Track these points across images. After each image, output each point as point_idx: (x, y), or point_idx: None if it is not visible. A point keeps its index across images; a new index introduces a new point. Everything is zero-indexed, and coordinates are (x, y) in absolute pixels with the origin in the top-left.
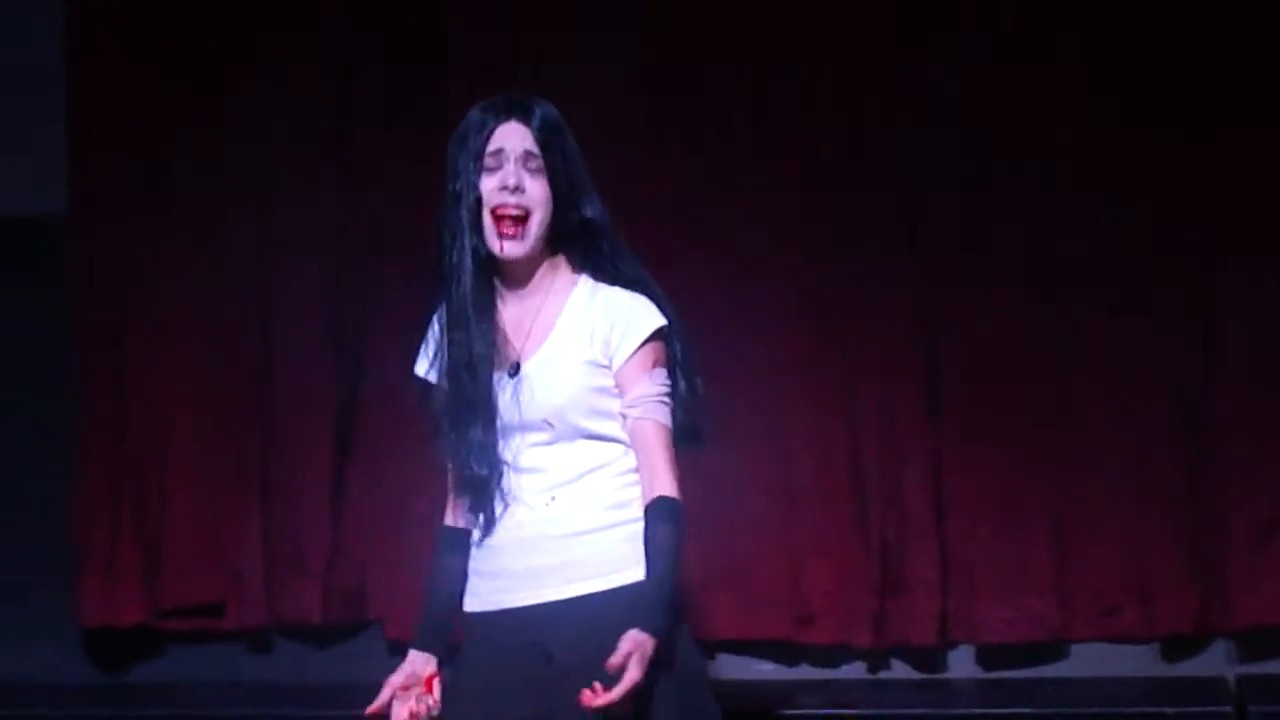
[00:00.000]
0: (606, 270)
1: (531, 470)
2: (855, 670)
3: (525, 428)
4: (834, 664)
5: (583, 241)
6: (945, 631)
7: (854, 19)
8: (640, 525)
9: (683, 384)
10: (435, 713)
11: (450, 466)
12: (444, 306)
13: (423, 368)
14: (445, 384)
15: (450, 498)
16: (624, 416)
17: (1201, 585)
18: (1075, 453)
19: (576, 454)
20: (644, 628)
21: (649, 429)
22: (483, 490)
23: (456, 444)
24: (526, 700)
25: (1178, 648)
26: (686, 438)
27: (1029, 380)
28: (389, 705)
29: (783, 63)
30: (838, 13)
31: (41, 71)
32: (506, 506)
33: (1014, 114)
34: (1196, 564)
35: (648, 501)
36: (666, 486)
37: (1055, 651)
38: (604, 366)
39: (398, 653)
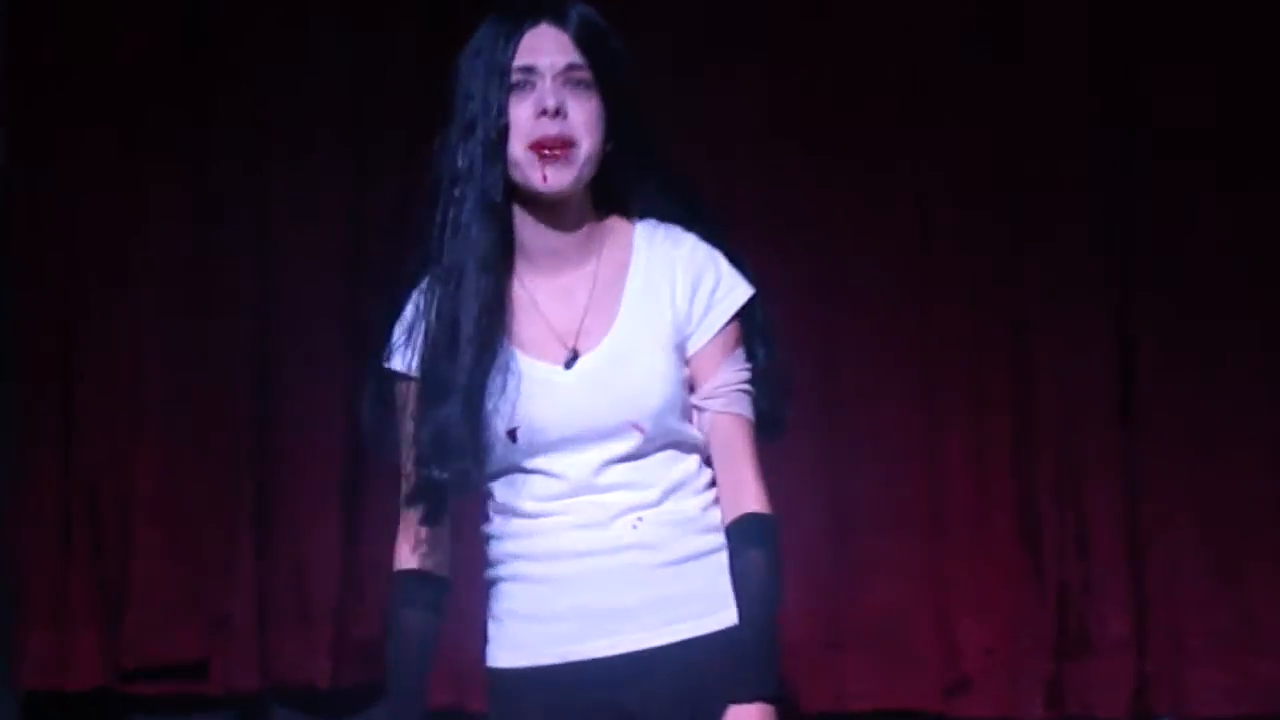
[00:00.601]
0: (672, 212)
1: (610, 488)
2: None
3: (602, 435)
4: None
5: (642, 183)
6: (1143, 702)
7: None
8: (716, 558)
9: (763, 360)
10: None
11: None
12: (429, 279)
13: (400, 361)
14: (419, 371)
15: (408, 531)
16: (698, 409)
17: None
18: None
19: (661, 465)
20: (762, 694)
21: (733, 426)
22: (441, 503)
23: (421, 444)
24: None
25: None
26: (766, 426)
27: (1249, 380)
28: None
29: (940, 65)
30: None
31: None
32: (587, 531)
33: (1215, 104)
34: None
35: (734, 518)
36: (755, 499)
37: None
38: (681, 348)
39: None
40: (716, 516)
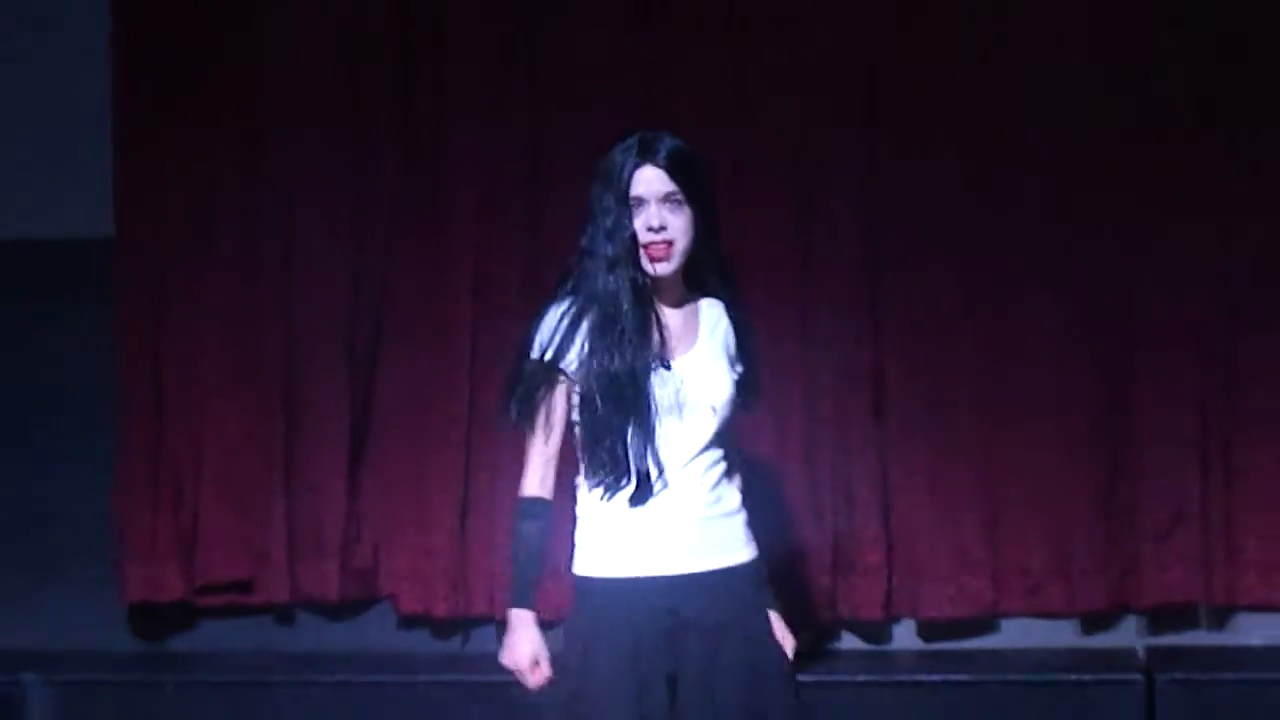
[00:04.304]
0: (723, 292)
1: (694, 455)
2: (810, 641)
3: (688, 414)
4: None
5: (710, 265)
6: (890, 608)
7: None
8: (744, 514)
9: (754, 359)
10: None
11: (591, 446)
12: (585, 311)
13: (569, 360)
14: (596, 380)
15: (537, 471)
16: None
17: (1116, 568)
18: (1008, 451)
19: (719, 443)
20: (774, 605)
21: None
22: (629, 467)
23: (614, 429)
24: (666, 659)
25: (1094, 622)
26: (758, 395)
27: (966, 387)
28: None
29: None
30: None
31: (92, 103)
32: (667, 485)
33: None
34: (1112, 550)
35: (738, 487)
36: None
37: (987, 625)
38: (733, 365)
39: (406, 626)
40: (736, 488)
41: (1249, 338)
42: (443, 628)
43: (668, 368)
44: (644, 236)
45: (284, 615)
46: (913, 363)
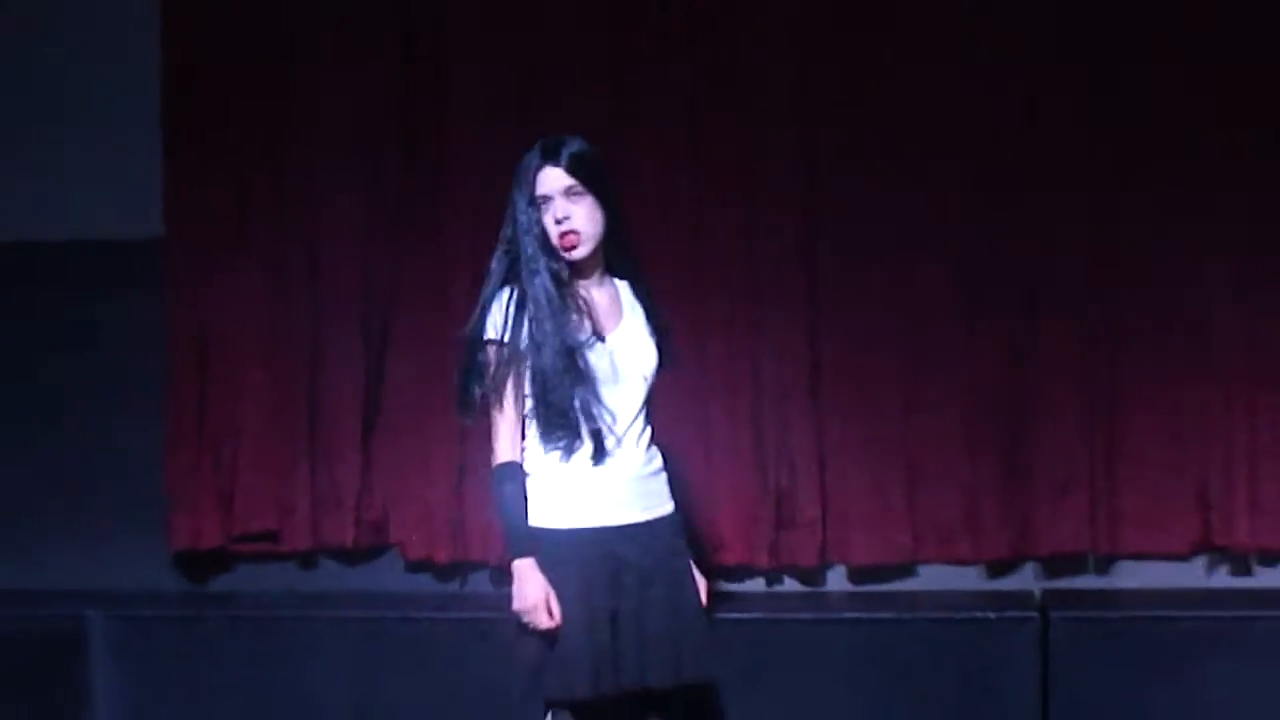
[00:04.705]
0: (631, 273)
1: (632, 419)
2: (756, 585)
3: (623, 383)
4: (739, 580)
5: (619, 246)
6: (825, 555)
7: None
8: (665, 473)
9: (668, 332)
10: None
11: (542, 411)
12: (526, 297)
13: (521, 339)
14: (544, 358)
15: (508, 438)
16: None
17: (1017, 523)
18: (925, 424)
19: (646, 409)
20: (688, 553)
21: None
22: (578, 431)
23: (566, 398)
24: (610, 598)
25: (998, 568)
26: (673, 362)
27: (889, 367)
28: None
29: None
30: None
31: (145, 116)
32: (620, 444)
33: (897, 124)
34: (1013, 507)
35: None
36: None
37: (907, 571)
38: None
39: (413, 570)
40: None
41: (1128, 325)
42: (444, 571)
43: (602, 341)
44: (552, 229)
45: (307, 560)
46: (844, 347)
